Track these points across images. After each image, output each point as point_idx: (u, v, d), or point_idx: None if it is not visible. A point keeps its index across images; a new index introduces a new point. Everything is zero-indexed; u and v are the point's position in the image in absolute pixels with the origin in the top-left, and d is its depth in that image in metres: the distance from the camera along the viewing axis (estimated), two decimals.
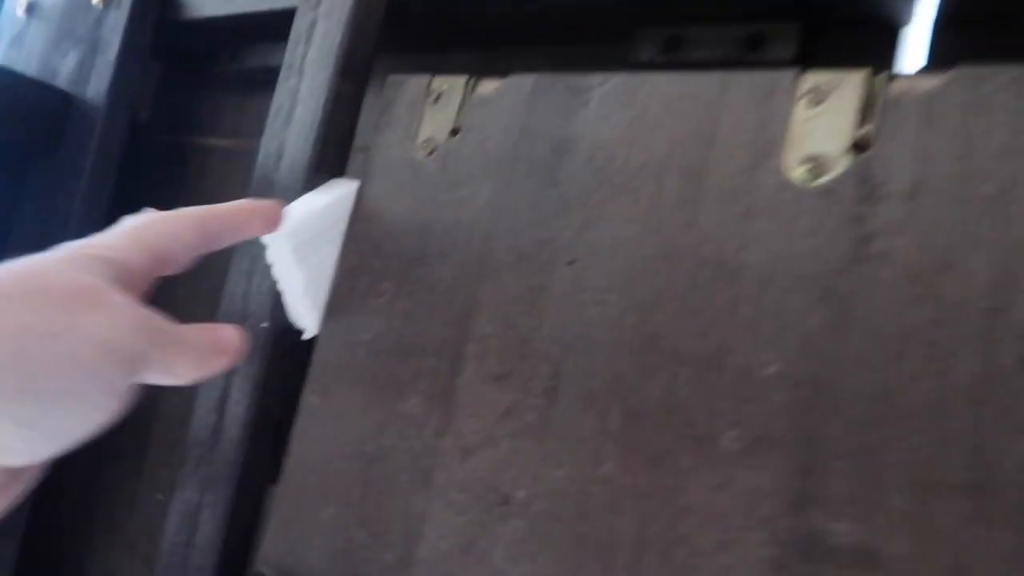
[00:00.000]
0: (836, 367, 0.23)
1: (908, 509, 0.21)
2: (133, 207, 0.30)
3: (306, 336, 0.40)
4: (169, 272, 0.29)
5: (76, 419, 0.22)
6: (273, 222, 0.34)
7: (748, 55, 0.37)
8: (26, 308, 0.21)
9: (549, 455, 0.30)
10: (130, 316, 0.24)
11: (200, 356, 0.27)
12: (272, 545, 0.41)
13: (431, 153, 0.36)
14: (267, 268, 0.40)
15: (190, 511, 0.47)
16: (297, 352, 0.41)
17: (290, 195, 0.41)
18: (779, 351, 0.24)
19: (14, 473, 0.23)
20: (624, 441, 0.27)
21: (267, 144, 0.43)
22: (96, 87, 0.60)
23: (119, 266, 0.25)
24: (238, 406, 0.44)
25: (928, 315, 0.22)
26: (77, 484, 0.66)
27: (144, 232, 0.27)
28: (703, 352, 0.26)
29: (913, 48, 0.35)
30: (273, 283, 0.39)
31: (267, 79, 0.47)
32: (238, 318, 0.44)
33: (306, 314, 0.40)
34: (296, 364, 0.41)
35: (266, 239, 0.39)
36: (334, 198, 0.39)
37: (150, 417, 0.61)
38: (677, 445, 0.26)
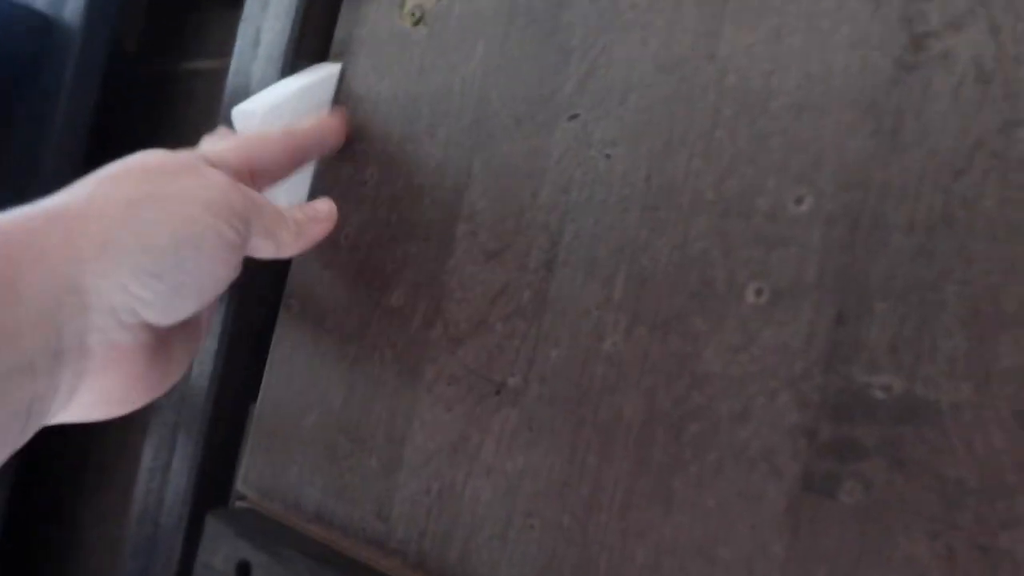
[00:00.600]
0: (880, 196, 0.20)
1: (966, 349, 0.18)
2: (119, 138, 0.31)
3: None
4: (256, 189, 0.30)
5: (197, 270, 0.25)
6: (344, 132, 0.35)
7: None
8: (135, 182, 0.25)
9: (545, 335, 0.26)
10: (223, 181, 0.27)
11: (299, 224, 0.30)
12: (252, 464, 0.38)
13: (418, 22, 0.33)
14: None
15: (167, 433, 0.44)
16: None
17: (267, 84, 0.38)
18: (812, 185, 0.21)
19: (164, 340, 0.26)
20: (630, 310, 0.24)
21: (244, 32, 0.40)
22: (73, 8, 0.58)
23: (217, 163, 0.28)
24: (213, 317, 0.41)
25: (998, 122, 0.19)
26: (68, 426, 0.64)
27: (242, 145, 0.30)
28: (724, 198, 0.22)
29: None
30: None
31: None
32: None
33: None
34: (274, 271, 0.38)
35: (237, 125, 0.36)
36: (313, 81, 0.36)
37: None
38: (690, 307, 0.23)
